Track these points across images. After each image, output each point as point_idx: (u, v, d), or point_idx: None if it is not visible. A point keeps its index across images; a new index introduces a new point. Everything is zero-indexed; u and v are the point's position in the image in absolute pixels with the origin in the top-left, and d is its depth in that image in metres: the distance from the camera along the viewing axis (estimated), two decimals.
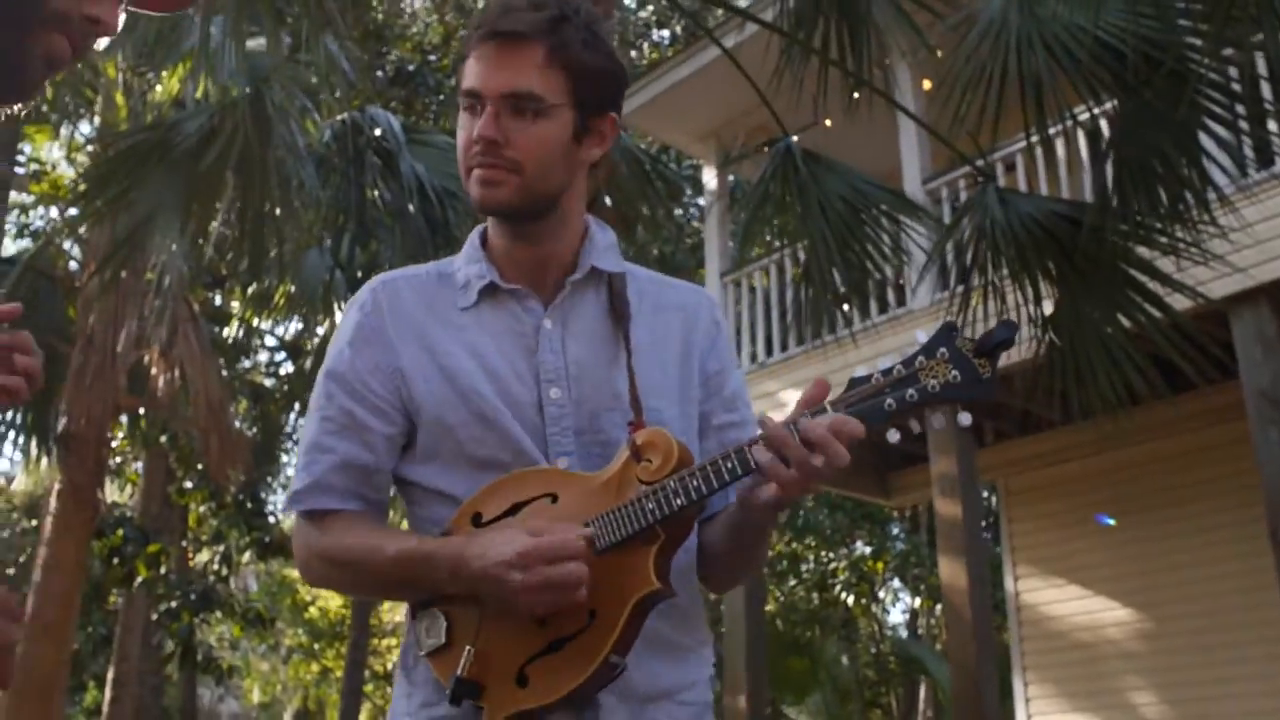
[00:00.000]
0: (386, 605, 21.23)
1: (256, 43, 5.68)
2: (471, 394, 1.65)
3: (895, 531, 21.29)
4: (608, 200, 7.21)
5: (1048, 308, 5.14)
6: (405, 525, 1.76)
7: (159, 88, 7.37)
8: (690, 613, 1.70)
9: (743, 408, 1.80)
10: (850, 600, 20.71)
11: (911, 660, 19.95)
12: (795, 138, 5.66)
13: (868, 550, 20.90)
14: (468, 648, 1.54)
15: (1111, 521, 8.82)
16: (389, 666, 26.18)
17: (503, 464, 1.63)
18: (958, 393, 1.47)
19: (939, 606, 20.56)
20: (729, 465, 1.51)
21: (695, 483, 1.51)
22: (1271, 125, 5.78)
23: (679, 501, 1.51)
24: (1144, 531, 8.77)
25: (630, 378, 1.66)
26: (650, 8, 18.24)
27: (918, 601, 22.90)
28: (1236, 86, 4.71)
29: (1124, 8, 4.29)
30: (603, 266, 1.74)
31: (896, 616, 26.03)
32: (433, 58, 17.26)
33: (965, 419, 1.49)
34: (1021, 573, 9.71)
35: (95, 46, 1.04)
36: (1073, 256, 4.88)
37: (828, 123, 5.46)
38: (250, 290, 7.24)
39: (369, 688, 23.27)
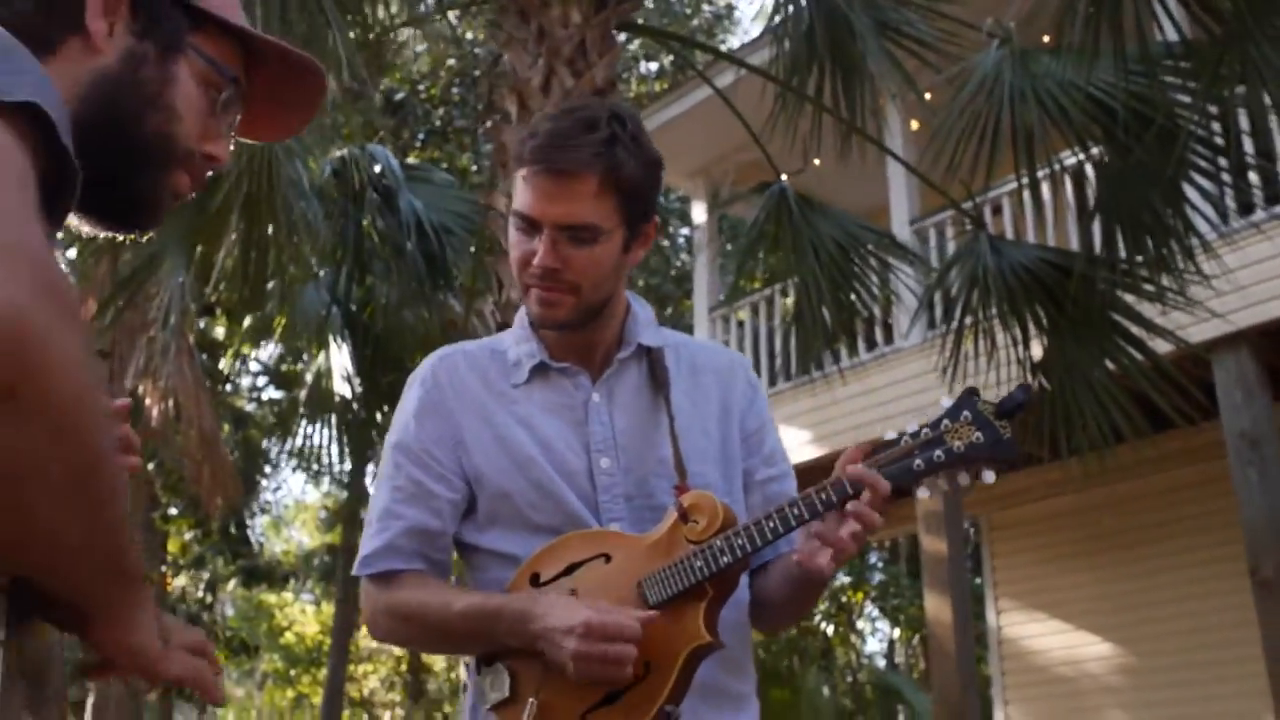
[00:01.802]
0: (363, 631, 21.11)
1: None
2: (528, 463, 1.77)
3: (873, 561, 21.33)
4: None
5: (1035, 349, 5.26)
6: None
7: None
8: (741, 661, 1.82)
9: (781, 461, 1.92)
10: (830, 630, 20.74)
11: (890, 691, 19.93)
12: (785, 177, 5.77)
13: (847, 580, 20.93)
14: (531, 700, 1.65)
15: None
16: (365, 693, 26.15)
17: (558, 529, 1.74)
18: (981, 452, 1.59)
19: (917, 637, 20.61)
20: (771, 524, 1.64)
21: (740, 541, 1.64)
22: (1252, 176, 5.92)
23: (726, 559, 1.63)
24: (1125, 568, 8.88)
25: (674, 444, 1.78)
26: (638, 42, 18.38)
27: (896, 632, 22.93)
28: (1220, 140, 4.85)
29: (1115, 65, 4.42)
30: (646, 342, 1.87)
31: (873, 645, 26.08)
32: (421, 87, 17.35)
33: (989, 477, 1.61)
34: (1003, 606, 9.80)
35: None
36: (1062, 303, 5.00)
37: (816, 161, 5.57)
38: (247, 322, 7.28)
39: (346, 715, 23.13)
